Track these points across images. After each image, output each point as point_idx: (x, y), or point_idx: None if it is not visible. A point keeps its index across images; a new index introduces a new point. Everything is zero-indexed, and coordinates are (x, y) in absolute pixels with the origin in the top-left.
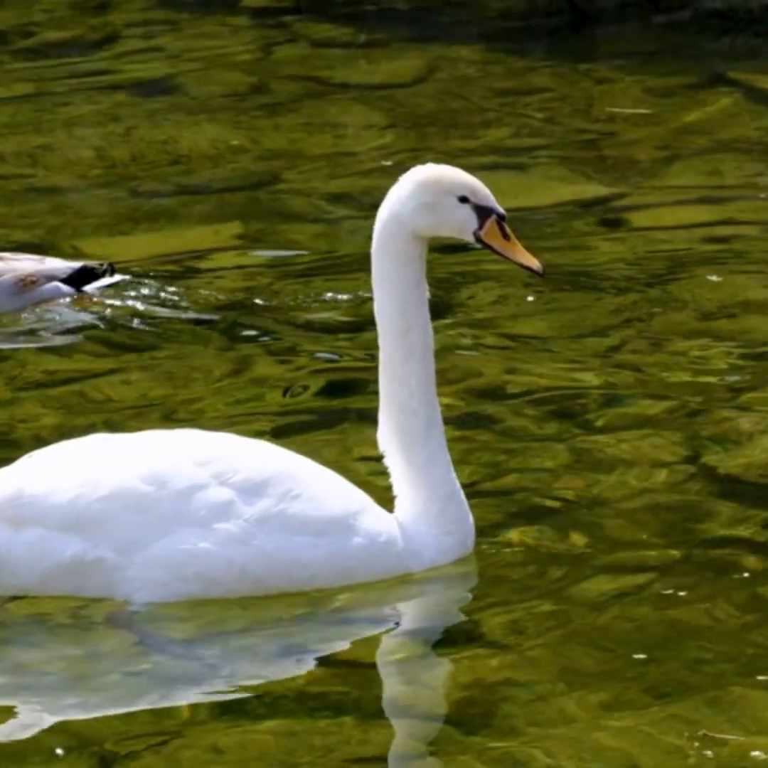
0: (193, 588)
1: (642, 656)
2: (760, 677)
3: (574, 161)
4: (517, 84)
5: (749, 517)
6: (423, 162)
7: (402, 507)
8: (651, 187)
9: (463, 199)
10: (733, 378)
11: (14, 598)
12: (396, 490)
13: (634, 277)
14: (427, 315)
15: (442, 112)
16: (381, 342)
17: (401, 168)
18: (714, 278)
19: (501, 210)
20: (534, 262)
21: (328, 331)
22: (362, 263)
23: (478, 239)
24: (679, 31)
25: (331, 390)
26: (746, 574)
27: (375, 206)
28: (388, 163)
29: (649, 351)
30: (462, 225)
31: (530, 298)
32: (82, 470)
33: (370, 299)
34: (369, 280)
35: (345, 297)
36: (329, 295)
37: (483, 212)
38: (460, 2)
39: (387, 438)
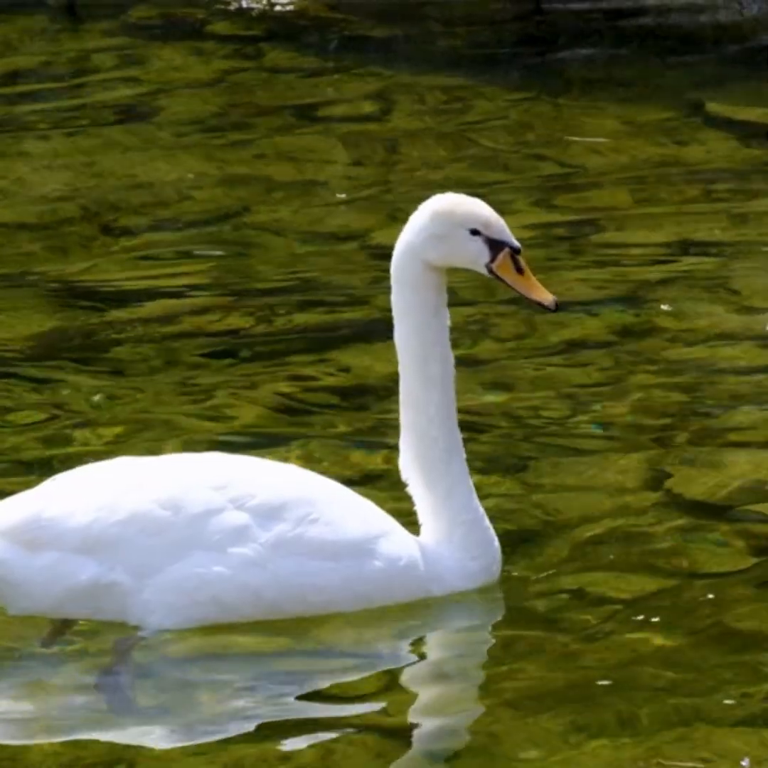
0: (207, 612)
1: (607, 682)
2: (723, 705)
3: (539, 190)
4: (483, 113)
5: (719, 544)
6: (388, 191)
7: (426, 535)
8: (616, 215)
9: (475, 232)
10: (699, 403)
11: (68, 623)
12: (420, 518)
13: (600, 304)
14: (446, 343)
15: (407, 142)
16: (401, 369)
17: (364, 197)
18: (679, 305)
19: (515, 243)
20: (546, 298)
21: (294, 354)
22: (324, 292)
23: (491, 271)
24: (646, 59)
25: (293, 413)
26: (714, 603)
27: (337, 236)
28: (349, 194)
29: (617, 376)
30: (473, 257)
31: (499, 324)
32: (100, 494)
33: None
34: (328, 308)
35: (310, 325)
36: (293, 323)
37: (495, 245)
38: (427, 31)
39: (408, 466)
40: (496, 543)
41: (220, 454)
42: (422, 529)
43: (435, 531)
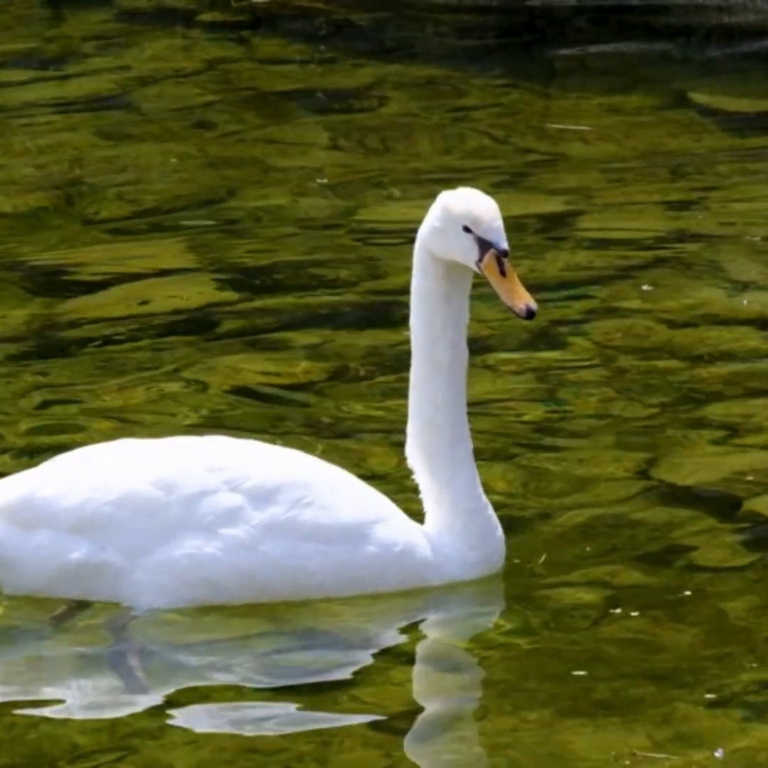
0: (198, 593)
1: (583, 673)
2: (703, 695)
3: (525, 177)
4: (470, 101)
5: (700, 533)
6: (373, 178)
7: (428, 523)
8: (601, 202)
9: (467, 229)
10: (686, 390)
11: (81, 604)
12: (424, 505)
13: (584, 289)
14: (458, 332)
15: (394, 129)
16: (412, 355)
17: (349, 183)
18: (666, 290)
19: (503, 246)
20: (519, 305)
21: (278, 338)
22: (302, 280)
23: (480, 270)
24: (631, 48)
25: (275, 401)
26: (703, 593)
27: (321, 221)
28: (334, 180)
29: (601, 363)
30: (465, 254)
31: (484, 311)
32: (96, 474)
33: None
34: (302, 295)
35: (287, 312)
36: (271, 309)
37: (485, 245)
38: (416, 18)
39: (414, 453)
40: (499, 533)
41: (222, 437)
42: (426, 518)
43: (437, 519)
